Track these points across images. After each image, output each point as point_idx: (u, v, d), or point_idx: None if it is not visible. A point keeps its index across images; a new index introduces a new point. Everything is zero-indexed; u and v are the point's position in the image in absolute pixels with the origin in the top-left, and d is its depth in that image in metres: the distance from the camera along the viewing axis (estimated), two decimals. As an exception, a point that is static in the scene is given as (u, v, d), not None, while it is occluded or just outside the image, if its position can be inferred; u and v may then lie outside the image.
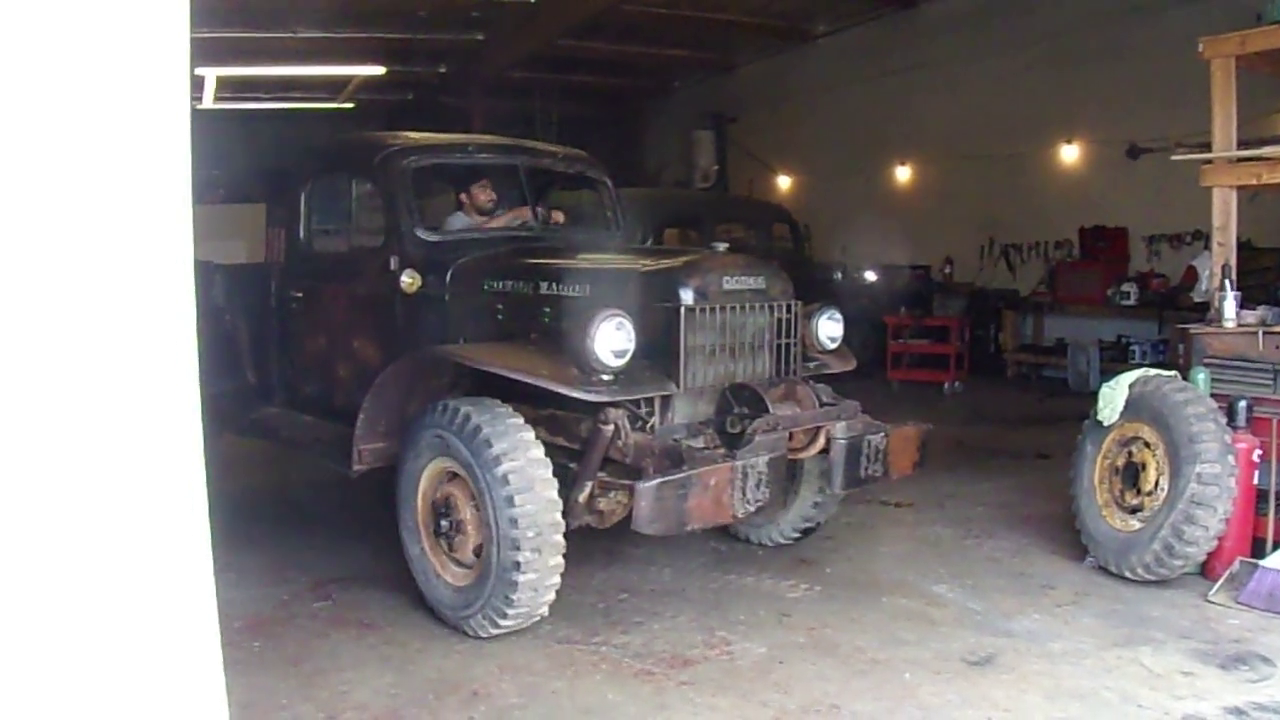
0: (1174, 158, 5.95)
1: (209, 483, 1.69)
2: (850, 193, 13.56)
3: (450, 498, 4.25)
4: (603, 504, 4.48)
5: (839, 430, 4.47)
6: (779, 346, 4.53)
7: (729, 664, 3.90)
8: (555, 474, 4.04)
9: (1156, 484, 4.64)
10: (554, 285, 4.44)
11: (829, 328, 4.96)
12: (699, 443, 4.36)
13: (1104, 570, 4.79)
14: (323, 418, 5.46)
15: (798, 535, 5.19)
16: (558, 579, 4.01)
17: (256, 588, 4.68)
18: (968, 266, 12.29)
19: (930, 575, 4.91)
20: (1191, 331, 5.29)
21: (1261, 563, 4.44)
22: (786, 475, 4.37)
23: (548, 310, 4.45)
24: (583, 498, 4.27)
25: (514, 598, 3.88)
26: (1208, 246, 6.03)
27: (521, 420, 4.11)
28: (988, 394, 10.77)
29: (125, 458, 1.55)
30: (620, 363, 4.00)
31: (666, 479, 3.74)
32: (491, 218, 5.47)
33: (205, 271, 6.85)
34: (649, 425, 4.30)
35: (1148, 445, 4.72)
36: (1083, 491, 5.00)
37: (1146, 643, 4.00)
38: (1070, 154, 11.07)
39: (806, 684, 3.69)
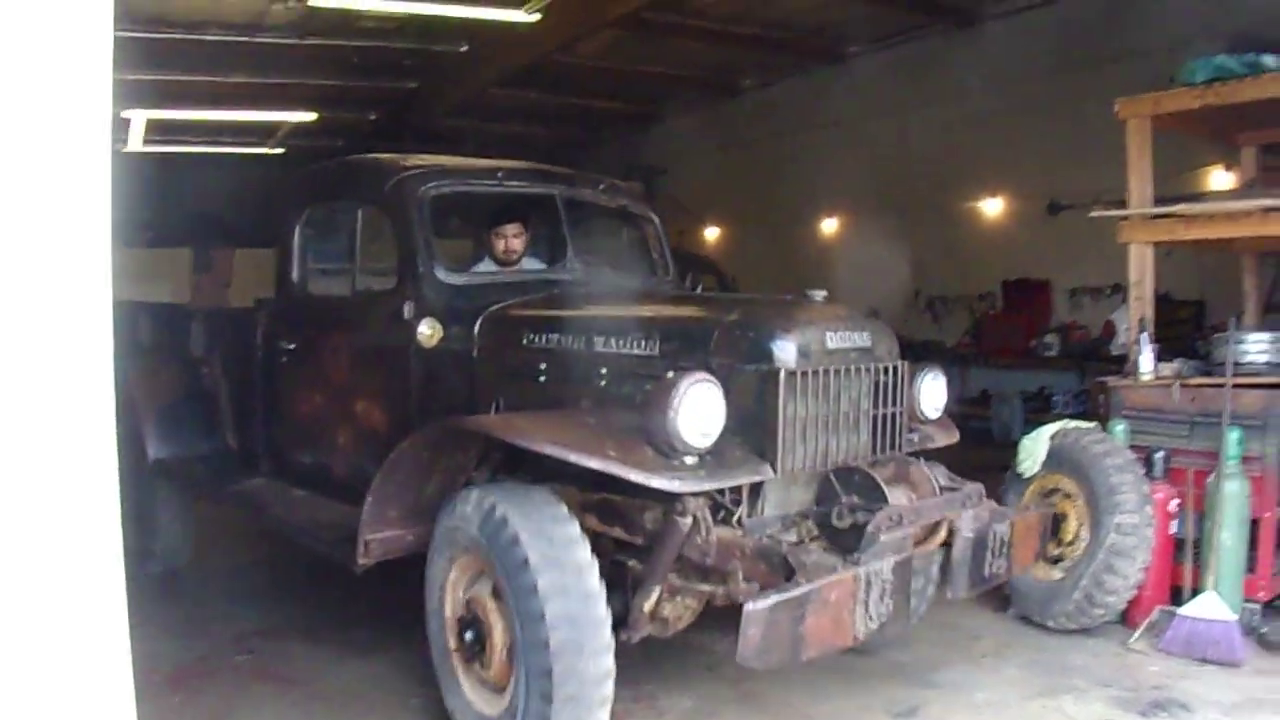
0: (1092, 214, 6.06)
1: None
2: (779, 244, 13.58)
3: (476, 604, 3.37)
4: (668, 609, 3.64)
5: (965, 521, 3.61)
6: (881, 417, 3.66)
7: (656, 718, 3.81)
8: (609, 574, 3.21)
9: (1077, 534, 4.66)
10: (614, 340, 3.57)
11: (933, 392, 4.11)
12: (792, 537, 3.51)
13: (1027, 620, 4.80)
14: (319, 494, 4.58)
15: None
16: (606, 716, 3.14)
17: (176, 639, 4.49)
18: (894, 318, 11.90)
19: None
20: (1110, 384, 5.45)
21: (1179, 610, 4.52)
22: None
23: (604, 371, 3.58)
24: (648, 606, 3.44)
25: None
26: (1126, 300, 6.04)
27: (565, 512, 3.25)
28: (914, 445, 10.47)
29: (38, 503, 1.53)
30: (708, 441, 3.14)
31: (782, 597, 2.86)
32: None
33: (178, 317, 5.97)
34: (736, 518, 3.42)
35: (1068, 496, 4.73)
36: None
37: (1069, 691, 4.06)
38: (994, 208, 11.08)
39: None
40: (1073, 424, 4.87)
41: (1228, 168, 7.40)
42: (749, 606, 2.80)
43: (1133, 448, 4.84)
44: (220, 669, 4.26)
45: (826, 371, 3.42)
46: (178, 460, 5.36)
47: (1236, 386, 4.81)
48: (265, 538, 5.87)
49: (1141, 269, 5.61)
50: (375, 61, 11.48)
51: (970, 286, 11.16)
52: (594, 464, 3.05)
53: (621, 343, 3.55)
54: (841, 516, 3.44)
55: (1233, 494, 4.61)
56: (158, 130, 12.69)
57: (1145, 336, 5.38)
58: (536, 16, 8.52)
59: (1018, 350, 10.42)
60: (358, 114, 14.13)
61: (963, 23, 10.58)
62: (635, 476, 3.02)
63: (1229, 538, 4.61)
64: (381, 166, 4.43)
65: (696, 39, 11.21)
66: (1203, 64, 5.36)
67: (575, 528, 3.21)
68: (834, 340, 3.49)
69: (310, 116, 12.60)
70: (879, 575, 3.16)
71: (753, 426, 3.32)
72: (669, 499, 3.27)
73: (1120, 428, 5.04)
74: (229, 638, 4.59)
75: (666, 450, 3.11)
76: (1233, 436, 4.65)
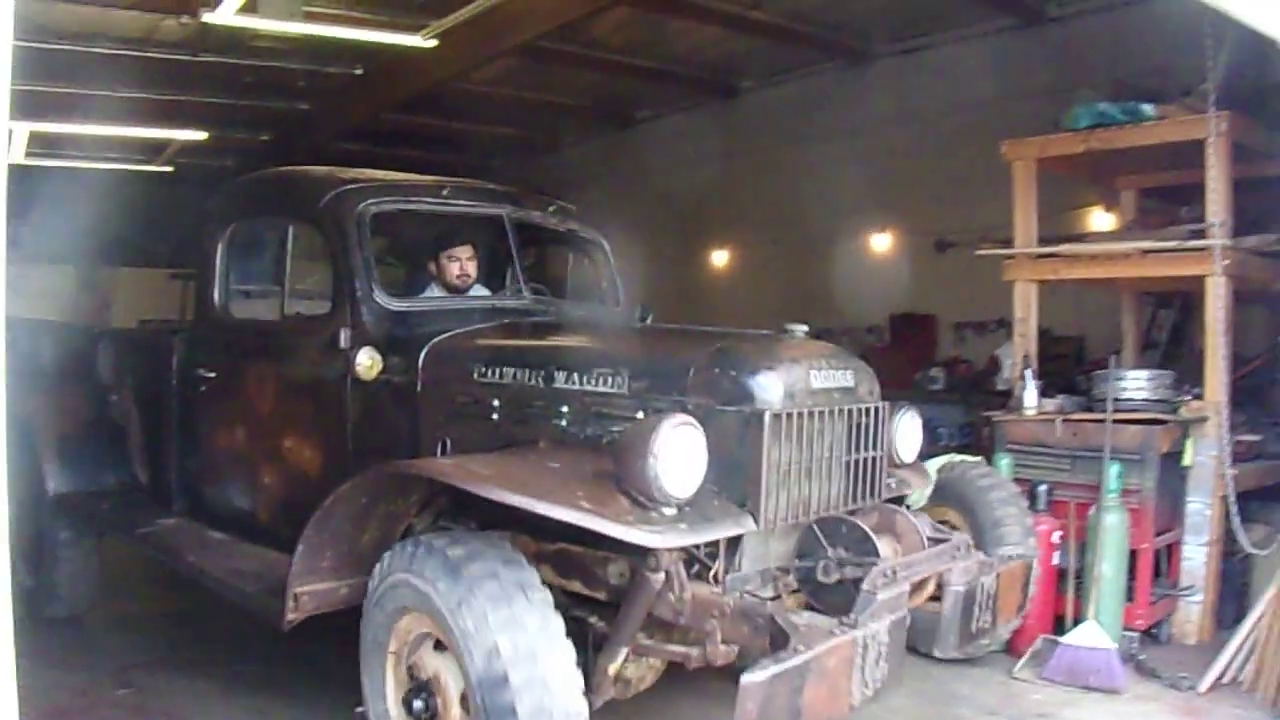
0: (979, 252, 6.21)
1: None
2: (670, 276, 13.34)
3: (423, 670, 3.01)
4: (631, 670, 3.31)
5: (956, 575, 3.34)
6: (860, 462, 3.38)
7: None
8: (569, 632, 2.85)
9: (963, 565, 4.70)
10: (577, 376, 3.23)
11: (910, 434, 3.85)
12: (769, 593, 3.21)
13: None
14: (240, 537, 4.15)
15: None
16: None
17: (55, 673, 4.27)
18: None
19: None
20: (995, 418, 5.61)
21: (1062, 639, 4.62)
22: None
23: (565, 410, 3.24)
24: (613, 668, 3.11)
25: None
26: (1011, 336, 6.29)
27: (525, 564, 2.90)
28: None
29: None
30: (689, 491, 2.82)
31: (781, 668, 2.55)
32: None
33: (84, 338, 5.46)
34: (712, 573, 3.10)
35: (954, 528, 4.57)
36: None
37: (957, 720, 4.00)
38: (882, 243, 11.14)
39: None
40: (958, 457, 4.88)
41: (1106, 208, 7.61)
42: (746, 679, 2.49)
43: (1016, 480, 4.95)
44: (99, 704, 4.05)
45: (811, 414, 3.14)
46: (81, 496, 4.87)
47: (1116, 422, 4.99)
48: (179, 583, 5.40)
49: (1026, 306, 5.78)
50: (268, 81, 11.27)
51: (858, 319, 11.11)
52: (566, 515, 2.70)
53: (586, 379, 3.21)
54: (828, 572, 3.15)
55: (1113, 526, 4.79)
56: (41, 143, 12.35)
57: (1030, 372, 5.51)
58: (434, 43, 8.36)
59: (904, 383, 10.18)
60: (249, 134, 13.91)
61: (855, 61, 10.67)
62: (613, 530, 2.68)
63: (1109, 568, 4.78)
64: (316, 180, 4.03)
65: (592, 69, 11.17)
66: (1086, 110, 5.55)
67: (537, 581, 2.87)
68: (818, 379, 3.21)
69: (201, 135, 12.31)
70: (875, 638, 2.87)
71: (732, 473, 3.01)
72: (639, 552, 2.94)
73: (1005, 461, 5.24)
74: (108, 670, 4.38)
75: (643, 500, 2.79)
76: (1113, 470, 4.85)
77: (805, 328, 3.37)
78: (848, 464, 3.32)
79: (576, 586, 3.24)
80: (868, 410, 3.39)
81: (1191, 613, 5.22)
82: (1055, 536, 4.91)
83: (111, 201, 13.41)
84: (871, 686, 2.88)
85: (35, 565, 4.99)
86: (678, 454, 2.77)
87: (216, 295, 4.26)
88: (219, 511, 4.29)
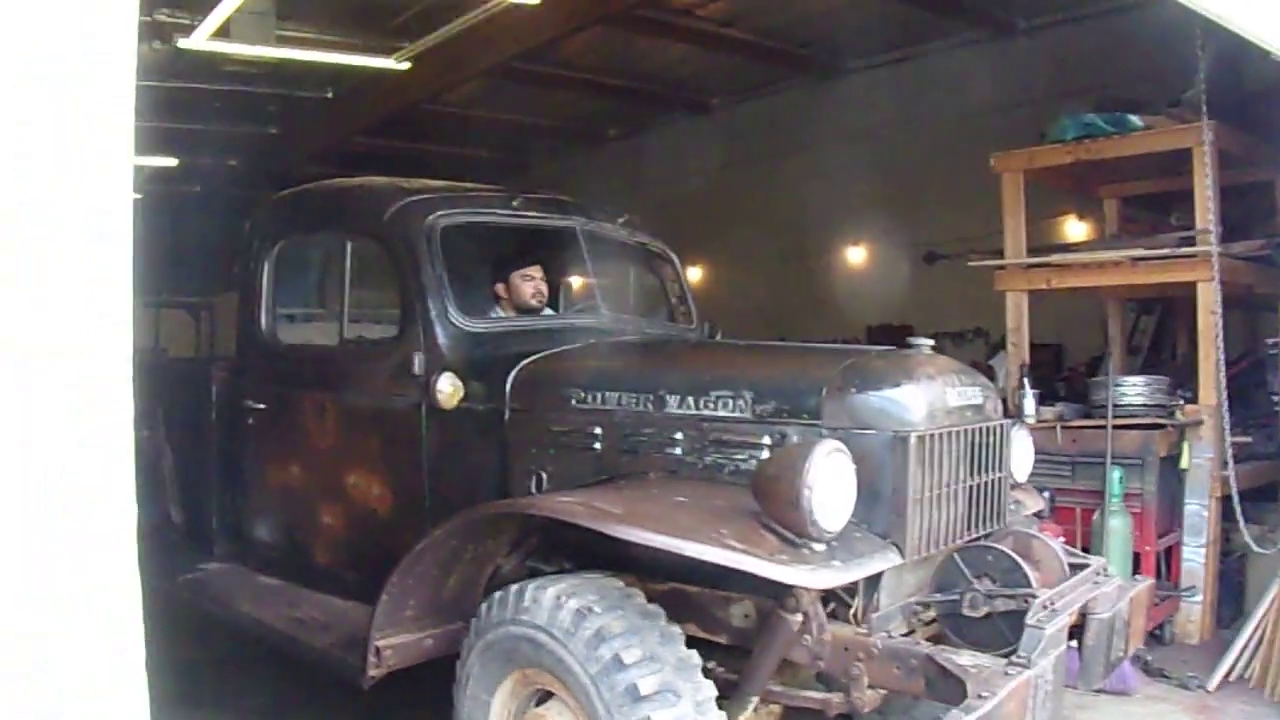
0: (970, 264, 6.23)
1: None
2: None
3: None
4: (744, 720, 3.03)
5: (1101, 602, 3.08)
6: (985, 485, 3.12)
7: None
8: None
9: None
10: (692, 400, 2.94)
11: (1023, 452, 3.59)
12: (901, 629, 2.94)
13: None
14: (296, 582, 3.82)
15: None
16: None
17: None
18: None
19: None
20: None
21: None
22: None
23: (680, 438, 2.95)
24: (744, 718, 2.80)
25: None
26: (1002, 347, 6.36)
27: (654, 608, 2.62)
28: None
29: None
30: (840, 523, 2.55)
31: (974, 717, 2.28)
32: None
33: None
34: (852, 612, 2.82)
35: None
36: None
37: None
38: (857, 255, 11.12)
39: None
40: None
41: (1080, 217, 7.73)
42: None
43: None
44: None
45: (950, 434, 2.87)
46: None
47: (1116, 428, 5.00)
48: (210, 626, 5.05)
49: (1019, 316, 5.78)
50: (238, 106, 11.20)
51: (835, 332, 10.93)
52: (717, 557, 2.41)
53: (703, 402, 2.92)
54: (975, 605, 2.88)
55: (1117, 530, 4.82)
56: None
57: (1027, 381, 5.46)
58: (407, 65, 8.41)
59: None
60: (217, 159, 13.78)
61: (826, 77, 10.65)
62: (771, 572, 2.40)
63: (1115, 572, 4.62)
64: (378, 192, 3.72)
65: (564, 89, 11.12)
66: (1073, 121, 5.58)
67: (675, 630, 2.60)
68: (954, 397, 2.94)
69: (171, 162, 12.19)
70: (1043, 677, 2.60)
71: (871, 502, 2.73)
72: (768, 591, 2.67)
73: None
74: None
75: (793, 536, 2.50)
76: (1114, 476, 4.86)
77: (931, 341, 3.10)
78: (972, 488, 3.06)
79: (692, 629, 2.95)
80: (994, 429, 3.13)
81: (1193, 613, 5.26)
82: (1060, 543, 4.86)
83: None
84: (1040, 730, 2.62)
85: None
86: (831, 484, 2.50)
87: (264, 320, 3.93)
88: (270, 555, 3.96)
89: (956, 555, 2.94)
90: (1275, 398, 5.96)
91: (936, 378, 2.90)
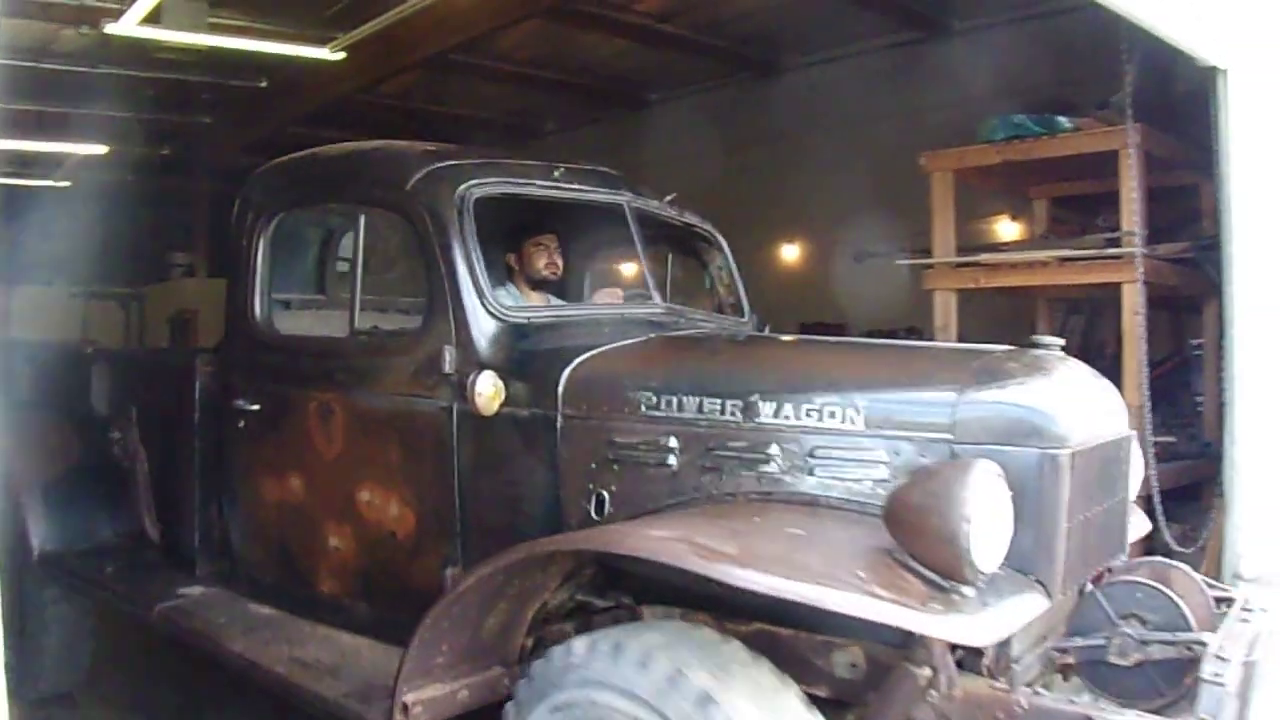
0: (898, 262, 6.32)
1: None
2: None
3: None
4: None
5: (1261, 644, 2.64)
6: (1112, 507, 2.66)
7: None
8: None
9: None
10: (792, 408, 2.45)
11: (1136, 467, 3.14)
12: (1028, 674, 2.48)
13: None
14: (294, 611, 3.28)
15: None
16: None
17: None
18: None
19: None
20: None
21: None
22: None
23: (775, 452, 2.46)
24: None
25: None
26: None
27: (773, 672, 2.14)
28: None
29: None
30: (997, 562, 2.08)
31: None
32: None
33: (73, 360, 4.54)
34: (985, 662, 2.36)
35: None
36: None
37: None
38: (792, 252, 11.11)
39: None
40: None
41: (1013, 218, 7.74)
42: None
43: None
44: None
45: (1095, 450, 2.41)
46: (74, 554, 3.97)
47: None
48: (191, 653, 4.53)
49: (947, 314, 5.77)
50: (170, 94, 11.12)
51: (770, 329, 11.17)
52: (867, 611, 1.92)
53: (806, 411, 2.43)
54: (1125, 652, 2.43)
55: None
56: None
57: None
58: (341, 55, 8.36)
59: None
60: (149, 148, 13.68)
61: (763, 73, 10.66)
62: (938, 629, 1.92)
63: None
64: (398, 156, 3.19)
65: (499, 82, 11.14)
66: (1002, 122, 5.62)
67: (786, 682, 2.14)
68: (1096, 407, 2.49)
69: (101, 150, 12.04)
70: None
71: (1015, 532, 2.27)
72: (888, 637, 2.21)
73: None
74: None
75: (938, 577, 2.03)
76: None
77: (1061, 340, 2.63)
78: (1103, 511, 2.60)
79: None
80: (1124, 442, 2.68)
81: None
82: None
83: (5, 218, 12.70)
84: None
85: (17, 636, 4.09)
86: (991, 514, 2.03)
87: (257, 306, 3.38)
88: (264, 579, 3.42)
89: (1099, 592, 2.49)
90: (1199, 398, 6.08)
91: (1075, 385, 2.44)
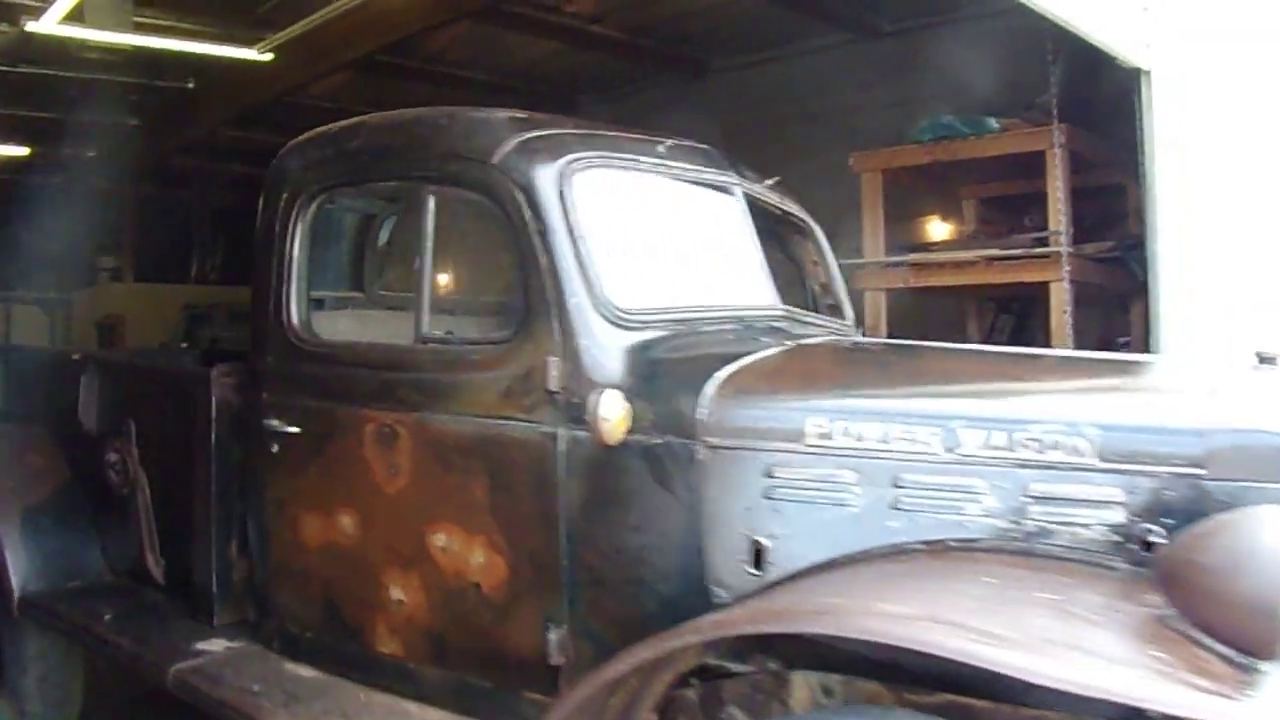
0: None
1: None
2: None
3: None
4: None
5: None
6: None
7: None
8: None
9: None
10: (1005, 436, 1.97)
11: None
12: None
13: None
14: (343, 673, 2.74)
15: None
16: None
17: None
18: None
19: None
20: None
21: None
22: None
23: (984, 491, 1.97)
24: None
25: None
26: None
27: None
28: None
29: None
30: None
31: None
32: None
33: (57, 368, 3.93)
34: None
35: None
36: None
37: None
38: None
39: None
40: None
41: (944, 218, 7.75)
42: None
43: None
44: None
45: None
46: (62, 596, 3.39)
47: None
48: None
49: (876, 314, 5.92)
50: (96, 95, 10.71)
51: None
52: (1171, 704, 1.46)
53: (1024, 439, 1.95)
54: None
55: None
56: None
57: None
58: (269, 56, 8.28)
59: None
60: (75, 149, 13.23)
61: (696, 75, 10.59)
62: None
63: None
64: (480, 123, 2.64)
65: (428, 83, 10.84)
66: (931, 123, 5.75)
67: None
68: None
69: (23, 151, 11.91)
70: None
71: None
72: (1106, 711, 1.74)
73: None
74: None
75: (1233, 653, 1.58)
76: None
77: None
78: None
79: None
80: None
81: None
82: None
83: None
84: None
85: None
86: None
87: (294, 307, 2.81)
88: (302, 633, 2.86)
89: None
90: (1126, 394, 6.18)
91: None
